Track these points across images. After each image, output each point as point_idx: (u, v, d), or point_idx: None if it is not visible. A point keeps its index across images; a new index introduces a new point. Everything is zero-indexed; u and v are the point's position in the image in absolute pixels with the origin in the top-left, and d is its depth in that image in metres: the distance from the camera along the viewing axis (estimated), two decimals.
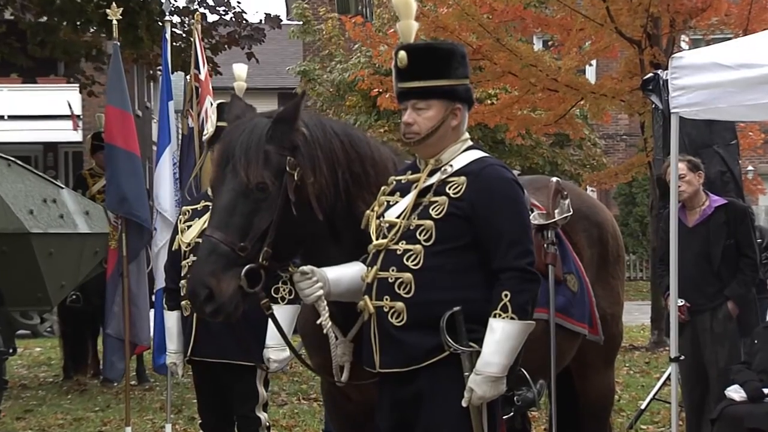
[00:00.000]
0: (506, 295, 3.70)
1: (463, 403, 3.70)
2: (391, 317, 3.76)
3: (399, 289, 3.75)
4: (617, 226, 5.49)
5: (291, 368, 10.50)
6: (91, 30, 12.64)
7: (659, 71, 7.07)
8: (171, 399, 8.01)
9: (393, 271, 3.77)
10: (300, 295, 3.88)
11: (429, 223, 3.76)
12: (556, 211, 4.75)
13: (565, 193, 4.84)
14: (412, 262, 3.75)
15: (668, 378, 6.98)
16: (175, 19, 12.76)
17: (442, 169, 3.85)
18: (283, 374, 10.22)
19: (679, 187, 6.60)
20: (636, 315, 15.72)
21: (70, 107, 24.17)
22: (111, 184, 8.01)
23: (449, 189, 3.79)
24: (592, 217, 5.21)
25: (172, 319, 5.57)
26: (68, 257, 8.39)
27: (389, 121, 19.79)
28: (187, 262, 5.39)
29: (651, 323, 13.31)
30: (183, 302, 5.41)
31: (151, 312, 7.93)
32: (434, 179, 3.83)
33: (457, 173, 3.82)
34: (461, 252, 3.76)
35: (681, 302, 6.43)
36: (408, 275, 3.74)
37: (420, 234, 3.77)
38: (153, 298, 8.01)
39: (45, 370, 12.07)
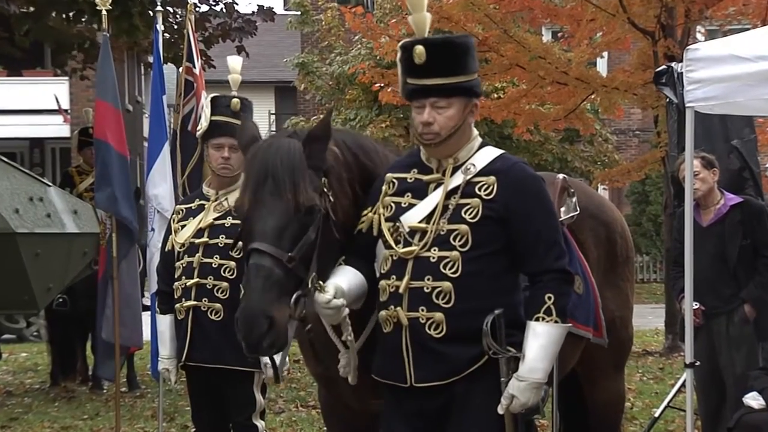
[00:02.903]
0: (549, 298, 3.74)
1: (501, 411, 3.74)
2: (429, 329, 3.73)
3: (437, 299, 3.73)
4: (626, 226, 5.50)
5: (289, 374, 10.51)
6: (83, 20, 12.64)
7: (673, 64, 7.08)
8: (163, 406, 8.02)
9: (429, 280, 3.74)
10: (323, 317, 3.83)
11: (464, 227, 3.75)
12: (562, 209, 4.76)
13: (572, 190, 4.84)
14: (450, 270, 3.73)
15: (683, 385, 6.98)
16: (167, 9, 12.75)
17: (464, 168, 3.83)
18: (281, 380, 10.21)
19: (693, 184, 6.61)
20: (649, 319, 15.71)
21: (57, 101, 24.19)
22: (101, 182, 8.02)
23: (479, 190, 3.78)
24: (600, 217, 5.22)
25: (164, 323, 5.57)
26: (56, 258, 8.38)
27: (391, 116, 19.81)
28: (182, 263, 5.40)
29: (665, 327, 13.30)
30: (177, 305, 5.42)
31: (147, 315, 7.95)
32: (459, 180, 3.81)
33: (484, 173, 3.81)
34: (496, 256, 3.77)
35: (696, 305, 6.43)
36: (447, 284, 3.72)
37: (455, 239, 3.75)
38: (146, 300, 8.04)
39: (31, 376, 12.07)
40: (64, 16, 12.35)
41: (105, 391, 10.26)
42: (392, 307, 3.78)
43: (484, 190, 3.77)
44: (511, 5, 12.73)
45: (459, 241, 3.74)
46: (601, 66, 21.77)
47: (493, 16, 12.57)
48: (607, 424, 5.32)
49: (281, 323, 3.59)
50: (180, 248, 5.44)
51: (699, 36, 14.28)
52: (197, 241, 5.38)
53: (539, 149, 21.23)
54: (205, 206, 5.47)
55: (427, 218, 3.79)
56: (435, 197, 3.81)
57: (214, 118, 5.47)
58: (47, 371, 11.35)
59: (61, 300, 9.97)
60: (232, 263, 5.29)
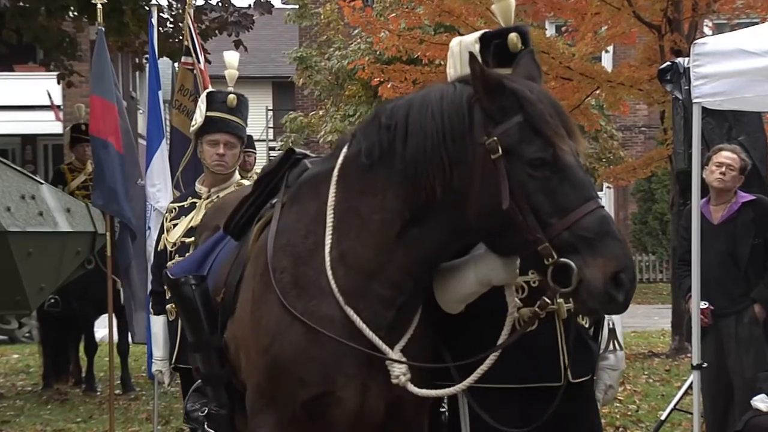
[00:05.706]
0: None
1: (602, 403, 3.94)
2: (582, 319, 3.83)
3: None
4: None
5: None
6: (70, 15, 12.62)
7: (678, 59, 7.08)
8: (158, 409, 8.01)
9: None
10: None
11: None
12: None
13: None
14: None
15: (690, 387, 6.97)
16: (163, 2, 12.74)
17: None
18: None
19: (723, 174, 6.61)
20: (655, 319, 15.74)
21: (50, 97, 24.15)
22: (97, 180, 7.99)
23: None
24: None
25: (158, 324, 5.57)
26: (48, 258, 8.35)
27: None
28: (174, 264, 5.38)
29: (671, 328, 13.30)
30: (167, 306, 5.41)
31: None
32: None
33: None
34: None
35: (704, 305, 6.42)
36: None
37: None
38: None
39: (23, 378, 12.07)
40: (43, 10, 12.30)
41: (98, 393, 10.26)
42: (559, 300, 3.72)
43: None
44: None
45: None
46: (606, 61, 21.75)
47: None
48: None
49: None
50: (171, 247, 5.43)
51: (706, 30, 14.28)
52: (188, 240, 5.36)
53: None
54: (197, 204, 5.46)
55: None
56: None
57: (209, 113, 5.45)
58: (39, 373, 11.34)
59: (53, 300, 9.96)
60: None
